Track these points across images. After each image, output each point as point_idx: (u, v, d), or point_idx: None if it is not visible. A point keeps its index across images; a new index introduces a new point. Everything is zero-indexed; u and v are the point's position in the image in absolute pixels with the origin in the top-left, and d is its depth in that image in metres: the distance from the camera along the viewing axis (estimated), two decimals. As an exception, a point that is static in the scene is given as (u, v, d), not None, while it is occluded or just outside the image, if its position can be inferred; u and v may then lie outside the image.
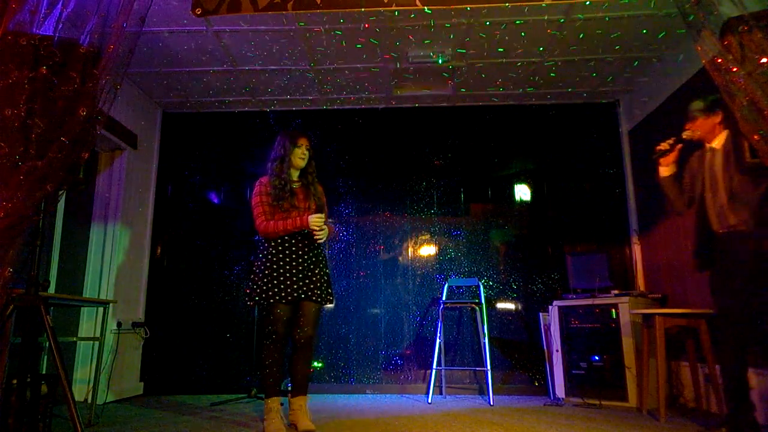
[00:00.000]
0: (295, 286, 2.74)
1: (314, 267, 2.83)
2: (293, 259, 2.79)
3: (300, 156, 2.89)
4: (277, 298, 2.72)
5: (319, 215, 2.78)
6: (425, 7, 2.48)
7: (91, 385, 3.19)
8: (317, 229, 2.75)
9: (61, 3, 2.00)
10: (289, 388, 4.24)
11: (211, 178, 4.86)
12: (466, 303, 4.32)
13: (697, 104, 2.68)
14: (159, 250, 4.72)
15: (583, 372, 3.80)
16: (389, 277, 4.61)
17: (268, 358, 2.77)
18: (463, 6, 2.59)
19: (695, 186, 2.71)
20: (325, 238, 2.82)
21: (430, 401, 3.81)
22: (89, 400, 3.25)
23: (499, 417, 3.21)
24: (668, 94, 3.91)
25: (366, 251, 4.67)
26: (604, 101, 4.74)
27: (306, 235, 2.83)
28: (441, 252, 4.63)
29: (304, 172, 2.97)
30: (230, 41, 3.75)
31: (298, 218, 2.79)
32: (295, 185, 2.92)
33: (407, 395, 4.16)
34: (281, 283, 2.74)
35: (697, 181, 2.70)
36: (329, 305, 2.91)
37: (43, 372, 3.37)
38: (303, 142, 2.91)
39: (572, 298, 4.01)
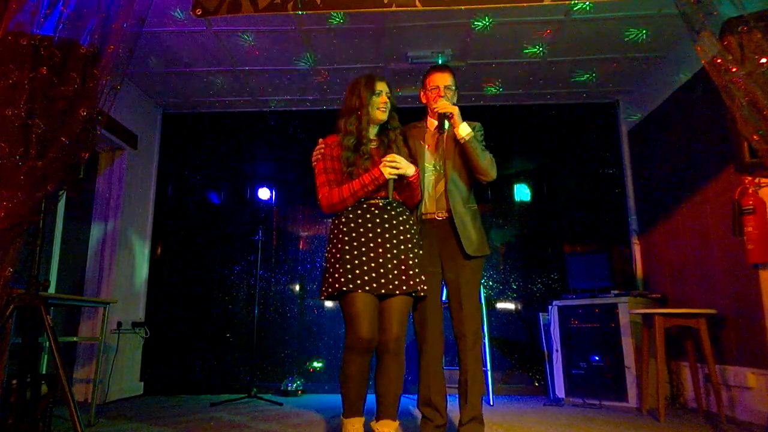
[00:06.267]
0: (374, 274, 2.08)
1: (404, 248, 2.15)
2: (370, 239, 2.13)
3: (379, 107, 2.23)
4: (354, 284, 2.05)
5: (395, 155, 2.14)
6: (425, 8, 2.48)
7: (91, 385, 3.19)
8: (393, 165, 2.11)
9: (61, 3, 2.00)
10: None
11: (211, 178, 4.86)
12: (466, 303, 4.31)
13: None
14: (159, 250, 4.72)
15: (583, 372, 3.80)
16: (389, 277, 4.60)
17: (347, 369, 2.10)
18: (464, 6, 2.58)
19: None
20: (405, 171, 2.14)
21: (430, 401, 3.80)
22: (89, 400, 3.25)
23: (499, 417, 3.21)
24: (668, 94, 3.91)
25: (366, 251, 4.66)
26: (604, 101, 4.74)
27: (386, 207, 2.19)
28: (441, 252, 4.62)
29: (384, 127, 2.31)
30: (230, 41, 3.75)
31: (366, 174, 2.13)
32: (372, 145, 2.27)
33: (407, 395, 4.15)
34: (357, 267, 2.07)
35: None
36: (423, 294, 2.18)
37: (44, 372, 3.37)
38: (383, 87, 2.25)
39: (572, 298, 4.01)
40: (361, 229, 2.14)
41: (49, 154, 1.83)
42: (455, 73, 2.51)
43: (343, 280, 2.06)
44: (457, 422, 2.35)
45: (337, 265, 2.10)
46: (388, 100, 2.25)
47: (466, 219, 2.36)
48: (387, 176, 2.11)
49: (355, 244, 2.12)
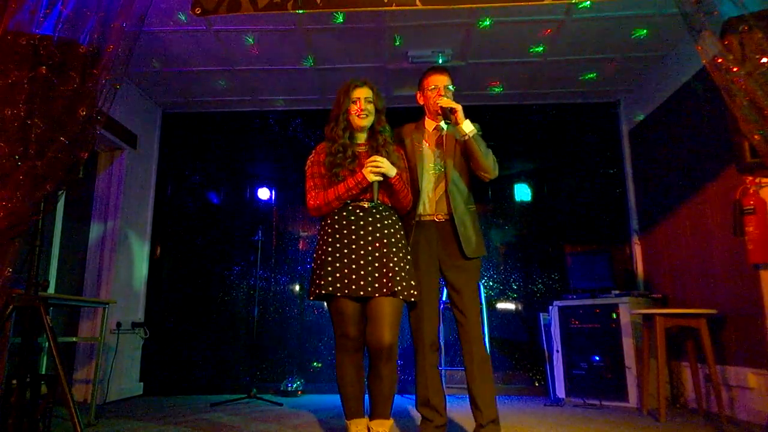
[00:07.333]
0: (354, 276, 2.10)
1: (387, 251, 2.14)
2: (353, 240, 2.14)
3: (357, 113, 2.22)
4: (334, 287, 2.09)
5: (377, 156, 2.16)
6: (425, 7, 2.47)
7: (91, 385, 3.19)
8: (375, 167, 2.12)
9: (60, 3, 2.00)
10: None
11: (211, 178, 4.86)
12: (466, 303, 4.31)
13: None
14: (159, 250, 4.71)
15: (583, 372, 3.80)
16: (389, 277, 4.59)
17: (340, 370, 2.18)
18: (463, 6, 2.58)
19: None
20: (387, 171, 2.15)
21: (430, 401, 3.80)
22: (89, 401, 3.24)
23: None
24: (668, 94, 3.91)
25: (366, 251, 4.66)
26: (604, 101, 4.74)
27: (371, 210, 2.20)
28: (441, 252, 4.62)
29: (372, 132, 2.30)
30: (230, 41, 3.74)
31: (351, 178, 2.16)
32: (360, 149, 2.26)
33: (407, 395, 4.15)
34: (337, 270, 2.11)
35: None
36: (412, 300, 2.17)
37: (43, 372, 3.37)
38: (360, 93, 2.24)
39: (572, 299, 4.01)
40: (345, 231, 2.16)
41: (48, 153, 1.83)
42: (452, 75, 2.51)
43: (323, 283, 2.10)
44: (456, 422, 2.35)
45: (320, 268, 2.15)
46: (366, 107, 2.23)
47: (466, 220, 2.36)
48: (369, 179, 2.12)
49: (338, 246, 2.14)
